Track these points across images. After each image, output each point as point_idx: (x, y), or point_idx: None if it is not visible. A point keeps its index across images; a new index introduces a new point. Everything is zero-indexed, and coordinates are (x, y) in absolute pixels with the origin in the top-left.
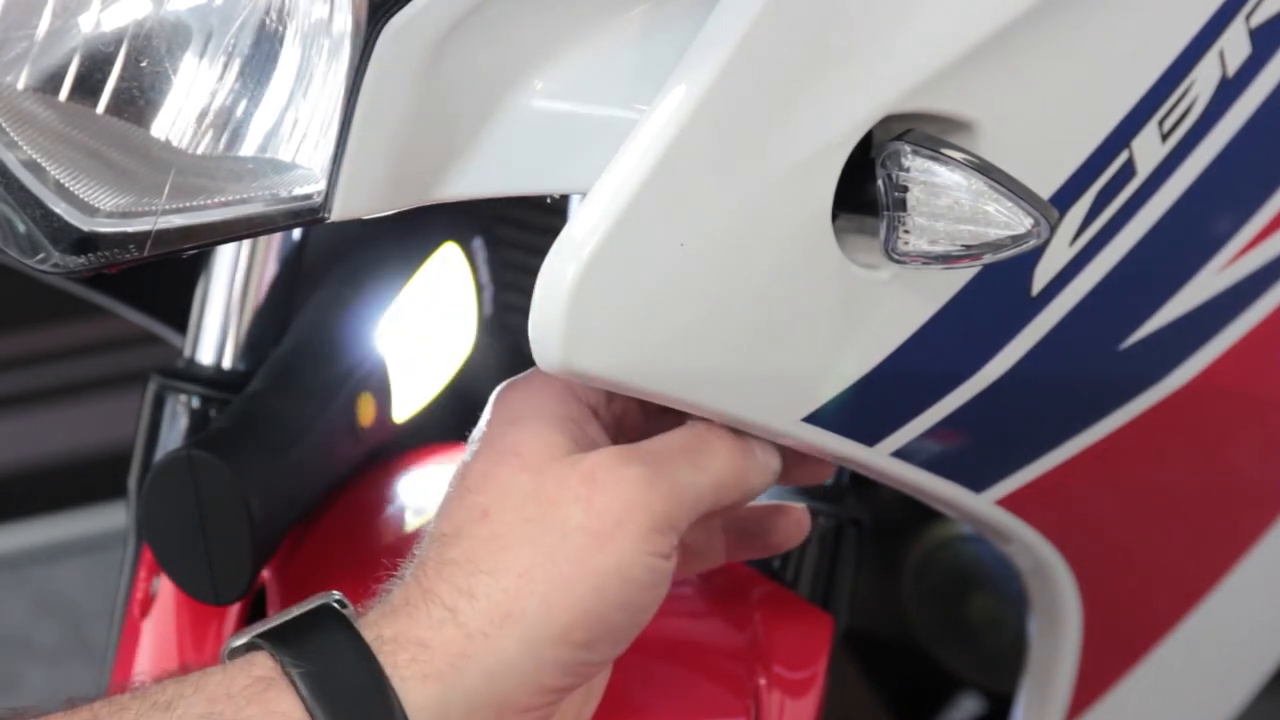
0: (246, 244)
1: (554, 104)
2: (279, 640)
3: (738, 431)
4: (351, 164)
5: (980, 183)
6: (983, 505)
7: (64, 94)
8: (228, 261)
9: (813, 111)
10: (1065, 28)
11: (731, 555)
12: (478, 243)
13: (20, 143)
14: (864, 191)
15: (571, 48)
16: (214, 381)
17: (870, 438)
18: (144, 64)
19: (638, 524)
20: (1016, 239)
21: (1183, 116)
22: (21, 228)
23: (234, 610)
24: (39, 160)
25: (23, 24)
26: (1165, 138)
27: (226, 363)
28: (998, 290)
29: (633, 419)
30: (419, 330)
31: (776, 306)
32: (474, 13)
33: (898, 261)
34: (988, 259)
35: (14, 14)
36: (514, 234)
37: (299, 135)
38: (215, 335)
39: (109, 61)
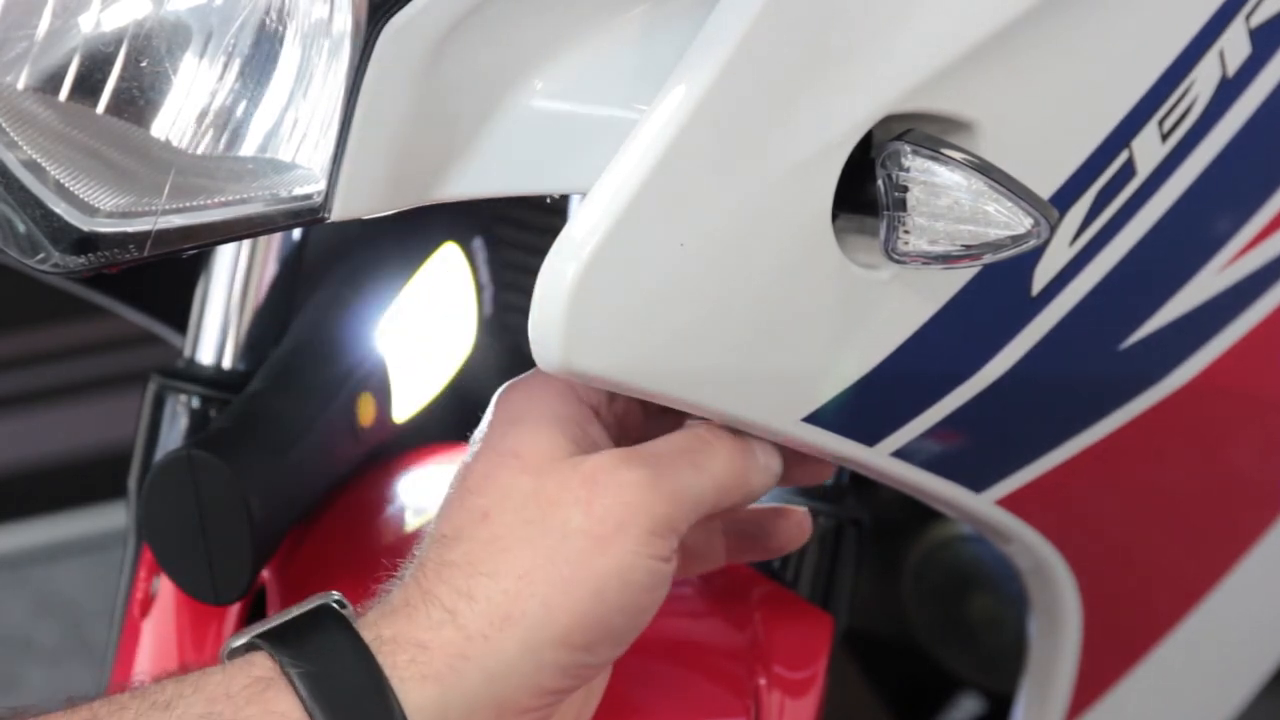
0: (246, 244)
1: (554, 104)
2: (278, 640)
3: (738, 433)
4: (351, 164)
5: (980, 183)
6: (983, 505)
7: (64, 94)
8: (228, 261)
9: (813, 111)
10: (1065, 28)
11: (732, 557)
12: (478, 243)
13: (20, 143)
14: (864, 191)
15: (571, 48)
16: (214, 381)
17: (870, 438)
18: (144, 64)
19: (638, 527)
20: (1016, 239)
21: (1183, 116)
22: (21, 228)
23: (234, 610)
24: (39, 160)
25: (23, 24)
26: (1165, 138)
27: (226, 363)
28: (998, 290)
29: (634, 419)
30: (419, 330)
31: (776, 306)
32: (474, 13)
33: (898, 261)
34: (988, 259)
35: (14, 14)
36: (514, 234)
37: (299, 135)
38: (215, 335)
39: (109, 61)
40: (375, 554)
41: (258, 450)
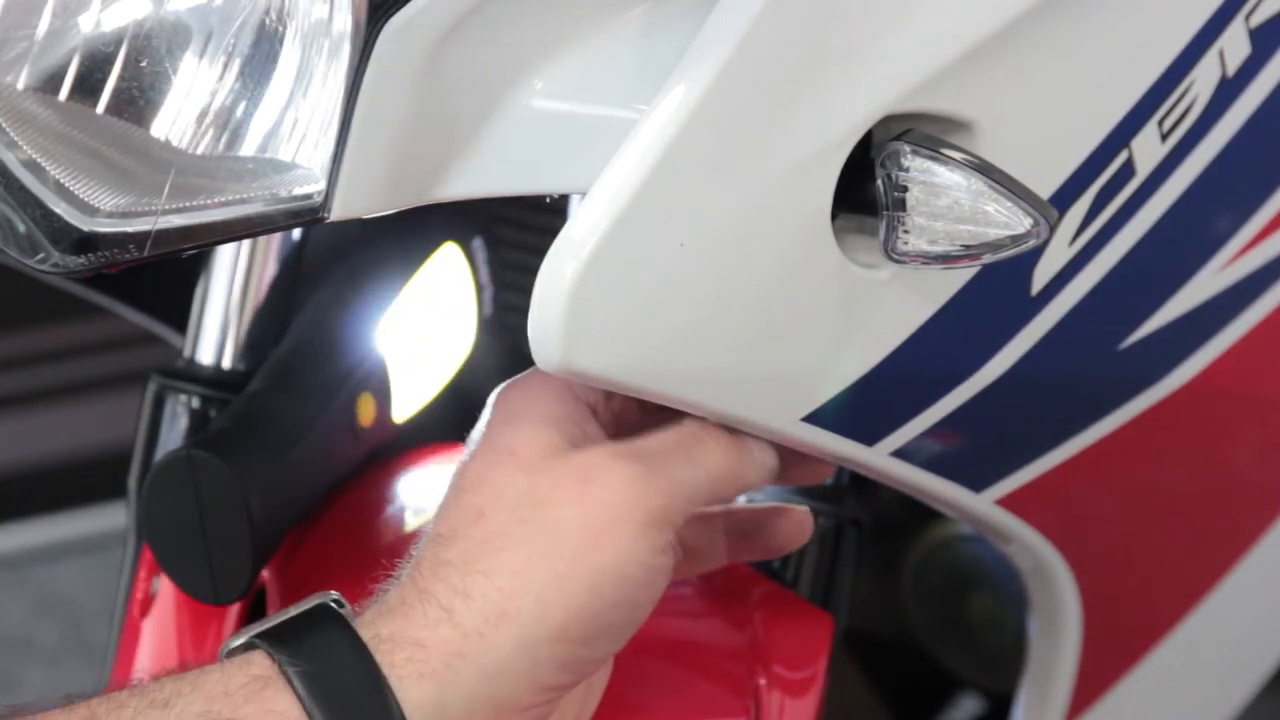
0: (246, 244)
1: (554, 104)
2: (276, 640)
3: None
4: (351, 164)
5: (980, 183)
6: (982, 505)
7: (64, 94)
8: (228, 261)
9: (813, 111)
10: (1065, 28)
11: (733, 557)
12: (478, 243)
13: (20, 143)
14: (864, 191)
15: (571, 48)
16: (214, 381)
17: (870, 437)
18: (144, 64)
19: (633, 520)
20: (1016, 239)
21: (1182, 116)
22: (21, 228)
23: (234, 610)
24: (39, 160)
25: (23, 24)
26: (1165, 137)
27: (226, 363)
28: (997, 290)
29: (632, 416)
30: (419, 330)
31: (776, 306)
32: (474, 13)
33: (897, 261)
34: (987, 259)
35: (14, 14)
36: (514, 234)
37: (299, 135)
38: (215, 335)
39: (109, 61)
40: (375, 554)
41: (258, 450)
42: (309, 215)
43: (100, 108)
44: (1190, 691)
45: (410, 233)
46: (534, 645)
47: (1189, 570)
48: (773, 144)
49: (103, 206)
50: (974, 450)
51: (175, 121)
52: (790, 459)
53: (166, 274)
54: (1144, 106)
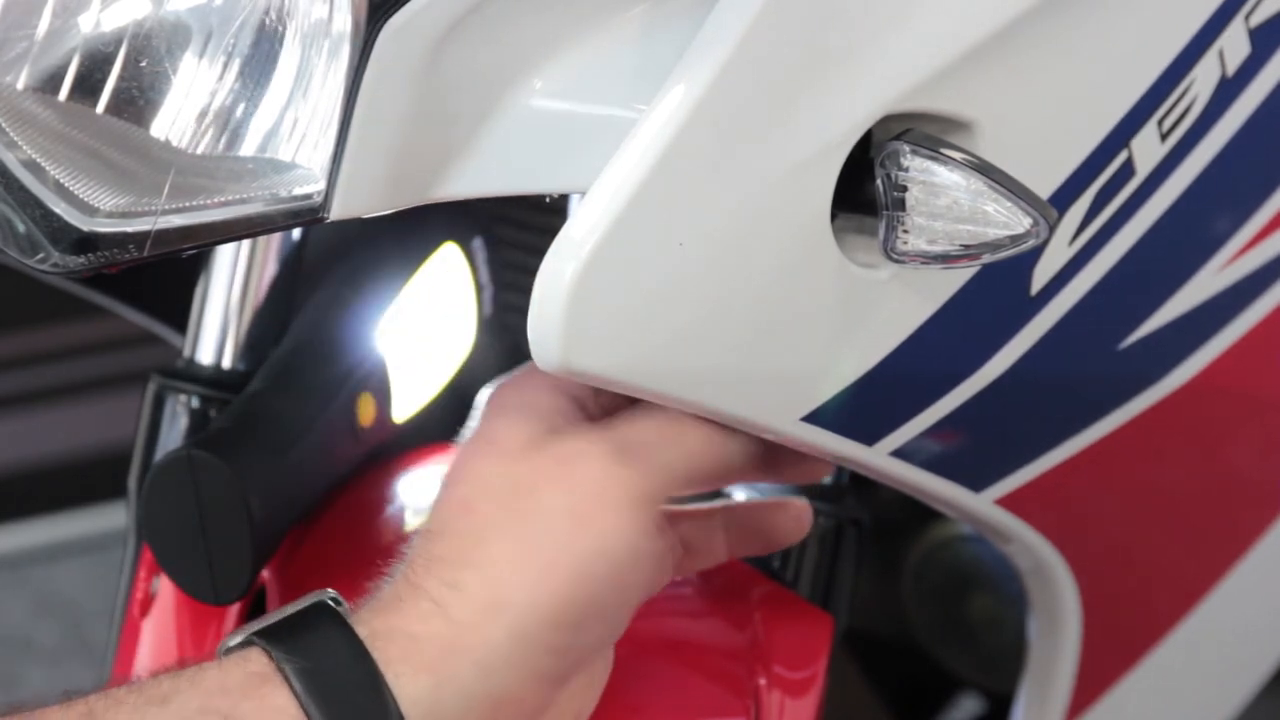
0: (246, 244)
1: (553, 103)
2: (273, 637)
3: None
4: (351, 163)
5: (979, 182)
6: (982, 505)
7: (64, 94)
8: (228, 261)
9: (812, 111)
10: (1065, 28)
11: (734, 552)
12: (478, 243)
13: (20, 143)
14: (863, 191)
15: (571, 47)
16: (214, 381)
17: (869, 437)
18: (144, 64)
19: (616, 501)
20: (1015, 239)
21: (1182, 116)
22: (21, 228)
23: (234, 610)
24: (39, 160)
25: (23, 24)
26: (1165, 137)
27: (226, 363)
28: (997, 290)
29: (621, 410)
30: (419, 330)
31: (776, 306)
32: (473, 12)
33: (897, 261)
34: (986, 259)
35: (14, 14)
36: (514, 234)
37: (299, 135)
38: (215, 335)
39: (109, 61)
40: (375, 554)
41: (258, 450)
42: (309, 215)
43: (100, 108)
44: (1190, 691)
45: (410, 233)
46: (526, 634)
47: (1189, 570)
48: (772, 144)
49: (103, 206)
50: (974, 450)
51: (175, 121)
52: (787, 457)
53: (166, 274)
54: (1144, 106)
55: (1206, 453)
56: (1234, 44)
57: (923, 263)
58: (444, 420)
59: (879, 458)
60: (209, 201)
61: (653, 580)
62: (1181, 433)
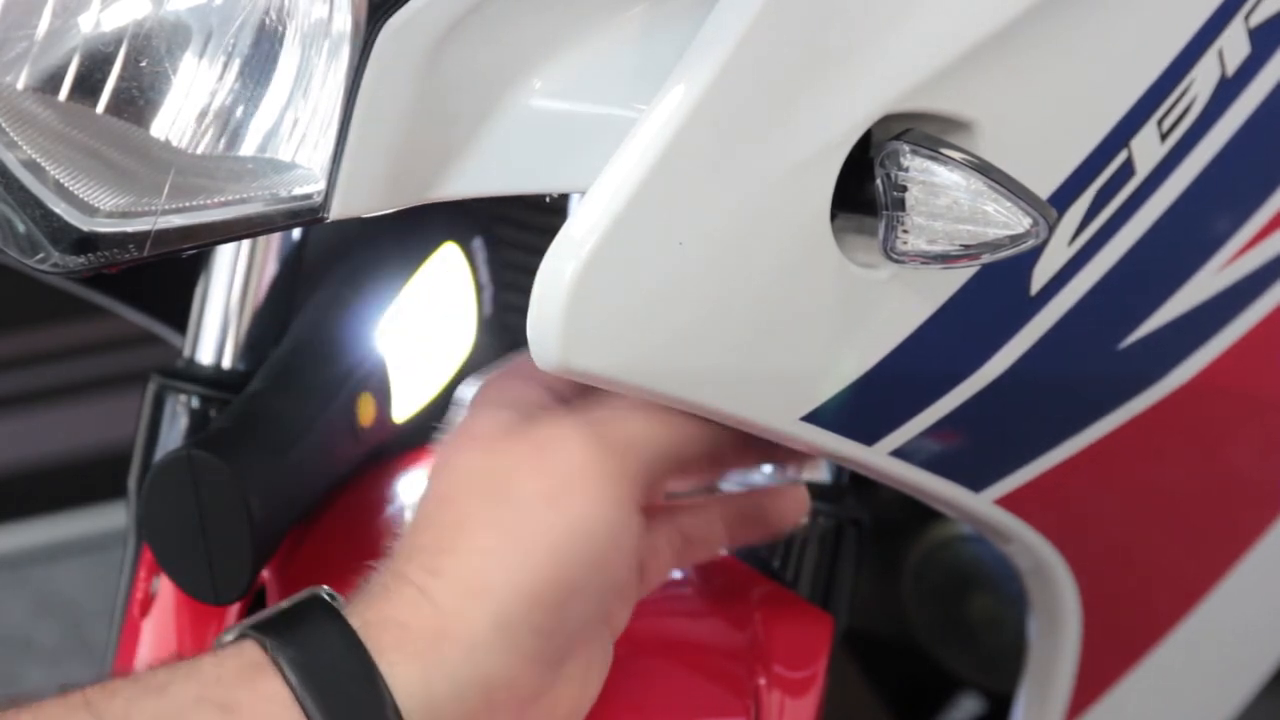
0: (246, 244)
1: (553, 103)
2: (268, 629)
3: None
4: (351, 163)
5: (979, 182)
6: (982, 505)
7: (64, 94)
8: (228, 261)
9: (812, 111)
10: (1065, 28)
11: (734, 540)
12: (478, 243)
13: (20, 143)
14: (863, 191)
15: (571, 47)
16: (214, 381)
17: (869, 437)
18: (144, 64)
19: (590, 479)
20: (1015, 239)
21: (1182, 116)
22: (21, 228)
23: (233, 610)
24: (39, 160)
25: (23, 24)
26: (1164, 137)
27: (226, 363)
28: (996, 290)
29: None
30: (419, 330)
31: (775, 306)
32: (473, 12)
33: (896, 261)
34: (986, 259)
35: (14, 14)
36: (514, 234)
37: (299, 135)
38: (215, 335)
39: (109, 61)
40: (375, 554)
41: (258, 450)
42: (309, 215)
43: (100, 108)
44: (1190, 691)
45: (410, 233)
46: (509, 616)
47: (1189, 570)
48: (772, 144)
49: (102, 206)
50: (973, 450)
51: (175, 121)
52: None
53: (166, 274)
54: (1143, 106)
55: (1206, 453)
56: (1234, 44)
57: (922, 263)
58: (444, 420)
59: (879, 457)
60: (209, 201)
61: (640, 561)
62: (1181, 433)
